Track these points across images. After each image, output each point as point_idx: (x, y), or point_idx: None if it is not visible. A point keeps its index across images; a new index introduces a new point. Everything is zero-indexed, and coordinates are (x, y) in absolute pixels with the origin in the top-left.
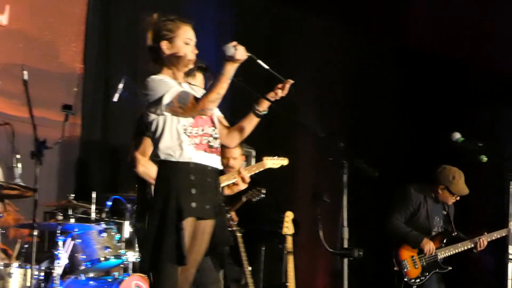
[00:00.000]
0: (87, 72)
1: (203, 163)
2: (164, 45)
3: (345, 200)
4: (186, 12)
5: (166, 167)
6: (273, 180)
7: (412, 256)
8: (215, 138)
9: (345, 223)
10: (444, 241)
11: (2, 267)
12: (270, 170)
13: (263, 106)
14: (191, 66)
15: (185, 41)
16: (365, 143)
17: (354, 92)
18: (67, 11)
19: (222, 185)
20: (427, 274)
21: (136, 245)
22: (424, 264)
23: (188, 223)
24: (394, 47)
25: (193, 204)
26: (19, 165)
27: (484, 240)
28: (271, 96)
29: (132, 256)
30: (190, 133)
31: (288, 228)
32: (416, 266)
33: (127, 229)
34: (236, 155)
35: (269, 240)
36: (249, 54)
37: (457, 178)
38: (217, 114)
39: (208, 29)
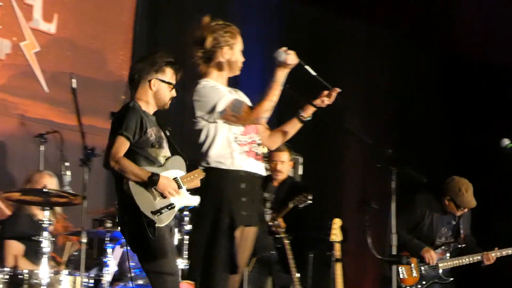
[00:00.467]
0: None
1: (252, 171)
2: (226, 50)
3: (394, 207)
4: (232, 19)
5: (217, 175)
6: (321, 186)
7: (411, 264)
8: (259, 145)
9: (394, 229)
10: (448, 252)
11: (52, 274)
12: (319, 176)
13: (308, 112)
14: (237, 73)
15: (241, 49)
16: (412, 150)
17: (400, 98)
18: (115, 20)
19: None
20: (424, 283)
21: (185, 252)
22: (423, 273)
23: (238, 232)
24: (441, 54)
25: (244, 213)
26: (68, 172)
27: (493, 255)
28: (317, 103)
29: (181, 263)
30: (240, 142)
31: (336, 235)
32: (414, 274)
33: (176, 236)
34: (285, 159)
35: (317, 247)
36: (299, 60)
37: (463, 190)
38: None
39: (252, 35)
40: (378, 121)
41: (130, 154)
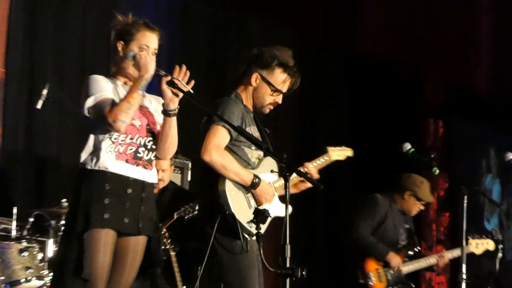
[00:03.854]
0: (9, 77)
1: (123, 174)
2: (119, 45)
3: (287, 215)
4: (122, 11)
5: (80, 175)
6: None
7: (378, 269)
8: (149, 150)
9: (288, 239)
10: (406, 256)
11: None
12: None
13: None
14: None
15: (141, 46)
16: (311, 155)
17: (302, 100)
18: None
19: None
20: None
21: None
22: (389, 278)
23: (100, 234)
24: (343, 54)
25: (106, 215)
26: None
27: (445, 258)
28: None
29: None
30: (116, 140)
31: None
32: (381, 280)
33: (51, 248)
34: (165, 167)
35: (206, 259)
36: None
37: (425, 183)
38: (159, 121)
39: None
40: (274, 124)
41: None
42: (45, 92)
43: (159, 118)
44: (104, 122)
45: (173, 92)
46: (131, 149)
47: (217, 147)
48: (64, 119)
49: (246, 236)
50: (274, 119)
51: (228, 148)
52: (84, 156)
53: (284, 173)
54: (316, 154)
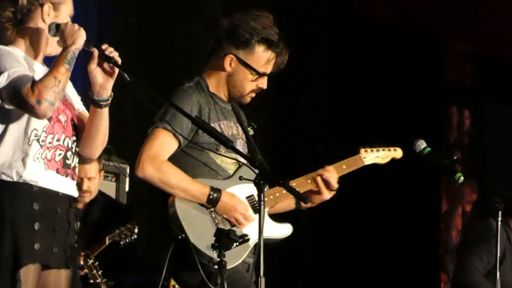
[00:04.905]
0: None
1: (52, 188)
2: (45, 8)
3: (261, 240)
4: None
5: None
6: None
7: None
8: (75, 154)
9: (262, 271)
10: None
11: None
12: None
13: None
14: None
15: (71, 13)
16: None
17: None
18: None
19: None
20: None
21: None
22: None
23: (29, 272)
24: (337, 18)
25: (36, 246)
26: None
27: None
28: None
29: None
30: (43, 143)
31: None
32: None
33: None
34: (93, 174)
35: None
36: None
37: None
38: (78, 109)
39: None
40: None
41: (181, 159)
42: None
43: (78, 105)
44: (23, 106)
45: (106, 73)
46: (59, 154)
47: (152, 158)
48: None
49: (209, 264)
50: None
51: (186, 154)
52: (1, 164)
53: (256, 180)
54: (296, 150)
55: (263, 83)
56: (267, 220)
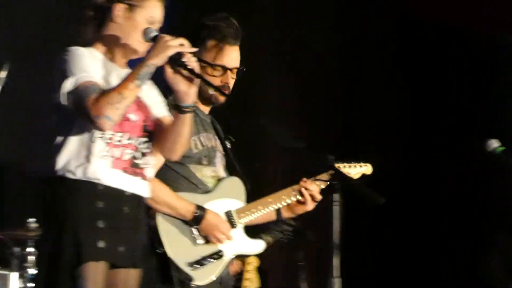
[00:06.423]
0: None
1: (118, 187)
2: (120, 8)
3: (337, 239)
4: None
5: (63, 187)
6: None
7: None
8: (144, 154)
9: (336, 272)
10: None
11: None
12: None
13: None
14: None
15: (148, 18)
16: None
17: (344, 75)
18: None
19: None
20: None
21: None
22: None
23: (93, 269)
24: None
25: (100, 243)
26: None
27: None
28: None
29: None
30: (110, 140)
31: (250, 280)
32: None
33: (15, 284)
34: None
35: None
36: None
37: None
38: (158, 114)
39: None
40: (313, 111)
41: (161, 172)
42: (3, 75)
43: (156, 111)
44: (84, 116)
45: (188, 80)
46: (128, 153)
47: None
48: (26, 112)
49: (185, 281)
50: (307, 103)
51: (167, 167)
52: (62, 161)
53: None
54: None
55: (226, 77)
56: (242, 236)
